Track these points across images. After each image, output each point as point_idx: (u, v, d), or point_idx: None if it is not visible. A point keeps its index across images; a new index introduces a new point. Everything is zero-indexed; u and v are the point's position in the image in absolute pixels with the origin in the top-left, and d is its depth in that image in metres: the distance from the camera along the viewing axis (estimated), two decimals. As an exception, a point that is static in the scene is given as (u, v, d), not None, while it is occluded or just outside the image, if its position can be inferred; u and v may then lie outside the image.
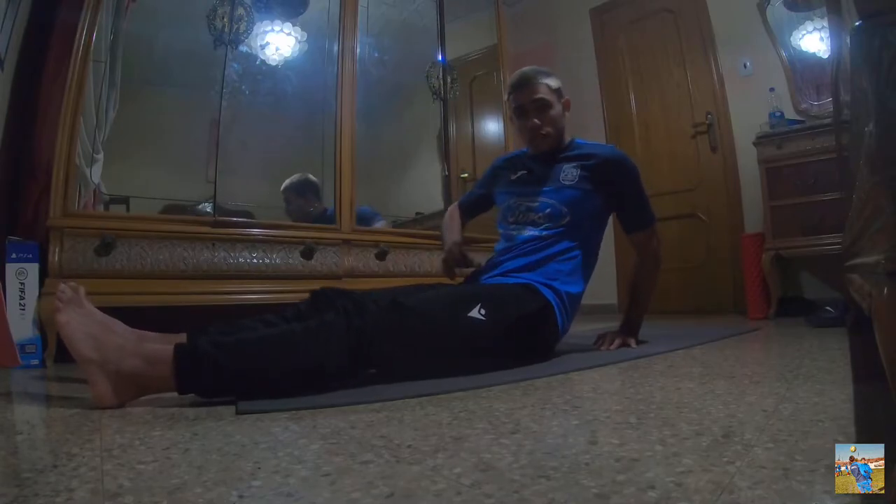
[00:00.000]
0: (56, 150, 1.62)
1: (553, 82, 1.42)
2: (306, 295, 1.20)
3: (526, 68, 1.44)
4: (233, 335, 0.96)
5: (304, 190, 2.33)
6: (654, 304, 3.18)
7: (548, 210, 1.38)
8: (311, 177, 2.35)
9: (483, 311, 1.14)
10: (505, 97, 1.38)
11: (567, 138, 1.48)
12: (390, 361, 1.07)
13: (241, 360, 0.90)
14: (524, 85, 1.40)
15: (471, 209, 1.67)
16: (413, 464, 0.56)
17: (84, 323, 0.89)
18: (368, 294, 1.16)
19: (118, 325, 0.99)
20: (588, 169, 1.39)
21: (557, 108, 1.42)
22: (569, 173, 1.39)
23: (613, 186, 1.40)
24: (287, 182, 2.31)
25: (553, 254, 1.35)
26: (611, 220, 1.54)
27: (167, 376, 0.86)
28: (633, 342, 1.45)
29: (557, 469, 0.52)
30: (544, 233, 1.37)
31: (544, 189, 1.41)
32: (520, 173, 1.49)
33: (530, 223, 1.40)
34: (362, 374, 1.04)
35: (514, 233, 1.42)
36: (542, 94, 1.39)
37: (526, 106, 1.40)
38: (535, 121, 1.40)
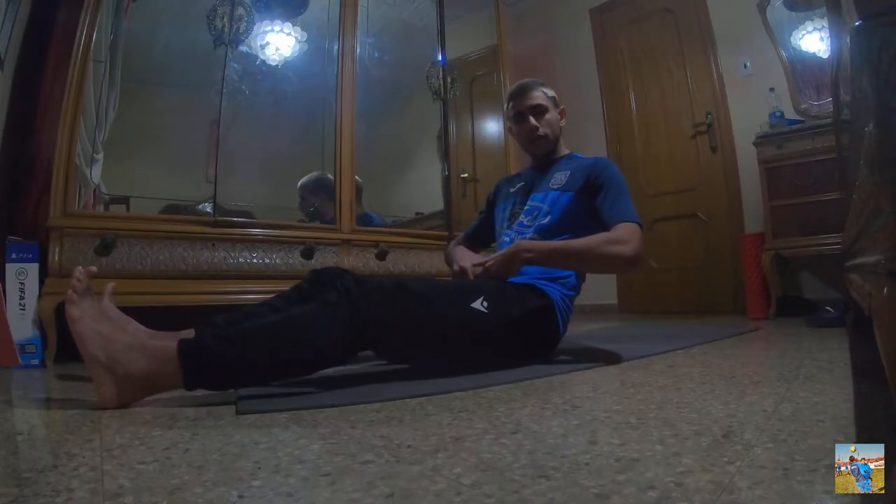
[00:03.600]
0: (56, 150, 1.62)
1: (549, 91, 1.52)
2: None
3: (524, 80, 1.54)
4: (237, 326, 0.96)
5: (318, 188, 2.34)
6: (654, 304, 3.23)
7: (534, 212, 1.43)
8: (329, 176, 2.32)
9: (486, 304, 1.16)
10: (505, 107, 1.50)
11: (566, 150, 1.55)
12: (391, 345, 1.09)
13: (245, 353, 0.90)
14: (522, 93, 1.49)
15: (475, 237, 1.67)
16: (413, 464, 0.56)
17: (95, 319, 0.88)
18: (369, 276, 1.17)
19: (131, 324, 0.99)
20: (575, 173, 1.42)
21: (553, 114, 1.50)
22: (558, 178, 1.45)
23: (593, 185, 1.36)
24: (304, 179, 2.33)
25: None
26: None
27: (174, 373, 0.86)
28: (517, 255, 1.22)
29: (557, 469, 0.52)
30: (526, 232, 1.41)
31: (535, 194, 1.47)
32: (518, 185, 1.56)
33: (517, 223, 1.46)
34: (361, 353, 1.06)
35: (504, 238, 1.47)
36: (539, 100, 1.48)
37: (524, 112, 1.48)
38: (533, 122, 1.47)
